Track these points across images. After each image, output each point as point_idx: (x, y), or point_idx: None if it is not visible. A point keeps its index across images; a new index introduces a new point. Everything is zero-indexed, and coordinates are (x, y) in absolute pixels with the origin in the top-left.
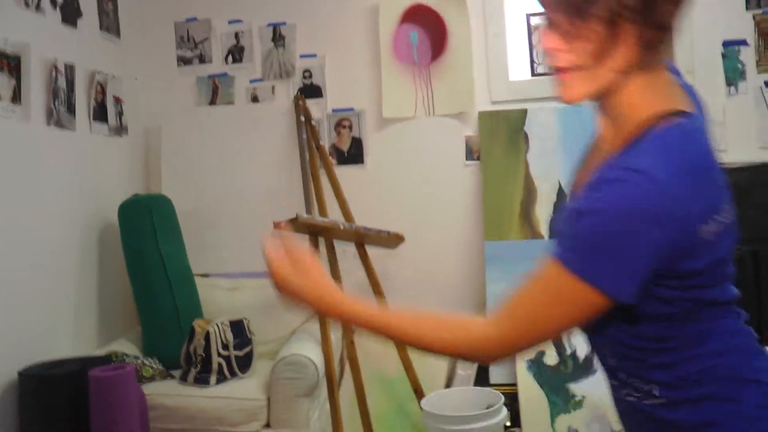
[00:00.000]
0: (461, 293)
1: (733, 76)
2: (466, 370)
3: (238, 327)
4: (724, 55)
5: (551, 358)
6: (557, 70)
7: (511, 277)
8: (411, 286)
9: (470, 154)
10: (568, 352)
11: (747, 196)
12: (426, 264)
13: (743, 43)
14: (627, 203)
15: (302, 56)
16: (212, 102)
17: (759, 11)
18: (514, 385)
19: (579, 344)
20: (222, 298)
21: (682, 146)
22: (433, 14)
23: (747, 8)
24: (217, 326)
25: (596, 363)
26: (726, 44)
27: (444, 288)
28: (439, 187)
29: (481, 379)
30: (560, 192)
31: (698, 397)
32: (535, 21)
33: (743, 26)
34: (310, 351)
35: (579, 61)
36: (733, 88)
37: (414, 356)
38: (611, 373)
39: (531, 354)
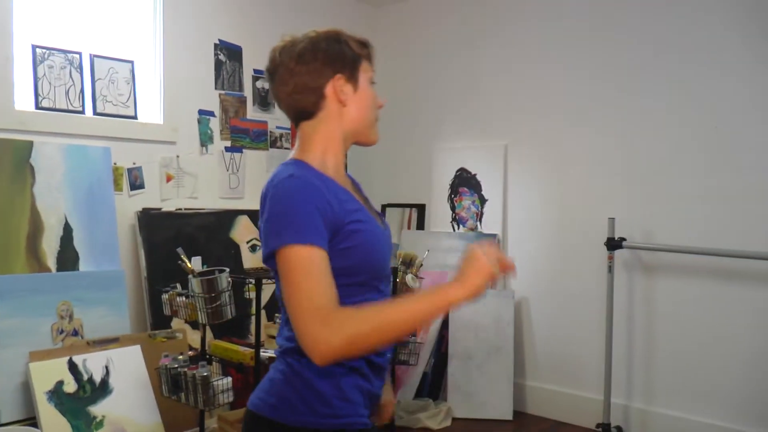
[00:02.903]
0: None
1: (205, 139)
2: None
3: None
4: (199, 122)
5: (70, 386)
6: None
7: (20, 311)
8: None
9: None
10: (86, 377)
11: (213, 235)
12: None
13: (212, 114)
14: None
15: None
16: None
17: (223, 91)
18: (33, 418)
19: (95, 369)
20: None
21: None
22: None
23: (215, 87)
24: None
25: (114, 383)
26: (201, 112)
27: None
28: None
29: None
30: (67, 226)
31: None
32: (41, 52)
33: (212, 101)
34: None
35: None
36: (205, 149)
37: None
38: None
39: (50, 386)
